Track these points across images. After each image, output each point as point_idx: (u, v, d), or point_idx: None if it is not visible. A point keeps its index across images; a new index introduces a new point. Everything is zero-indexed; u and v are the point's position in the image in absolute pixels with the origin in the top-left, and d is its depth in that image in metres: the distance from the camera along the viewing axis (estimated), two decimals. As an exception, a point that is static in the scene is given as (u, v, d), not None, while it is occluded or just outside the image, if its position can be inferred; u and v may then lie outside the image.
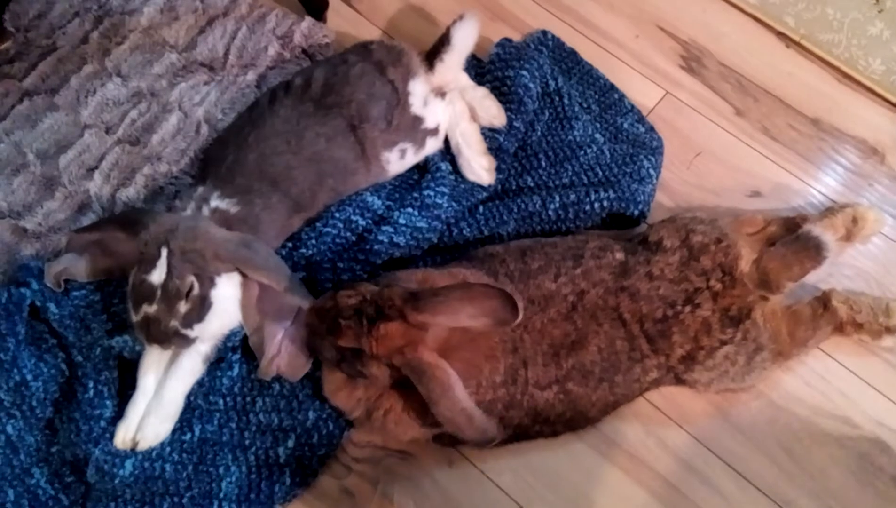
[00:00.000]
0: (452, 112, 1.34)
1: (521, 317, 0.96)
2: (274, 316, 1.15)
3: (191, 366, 1.15)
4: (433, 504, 1.14)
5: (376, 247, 1.21)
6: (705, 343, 1.10)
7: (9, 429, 1.11)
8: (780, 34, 1.57)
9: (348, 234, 1.23)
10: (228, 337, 1.17)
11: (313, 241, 1.21)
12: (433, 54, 1.36)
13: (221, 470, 1.11)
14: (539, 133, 1.39)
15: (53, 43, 1.48)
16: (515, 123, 1.36)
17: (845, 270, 1.31)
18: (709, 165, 1.44)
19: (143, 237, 1.10)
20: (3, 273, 1.24)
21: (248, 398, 1.14)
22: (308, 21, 1.51)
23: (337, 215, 1.23)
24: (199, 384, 1.15)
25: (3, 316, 1.13)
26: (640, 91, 1.50)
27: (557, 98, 1.41)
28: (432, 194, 1.26)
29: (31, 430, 1.12)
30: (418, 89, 1.31)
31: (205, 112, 1.40)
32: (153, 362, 1.15)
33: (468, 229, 1.29)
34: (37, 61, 1.46)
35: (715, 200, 1.40)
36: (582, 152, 1.35)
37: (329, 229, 1.22)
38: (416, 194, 1.25)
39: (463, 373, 1.03)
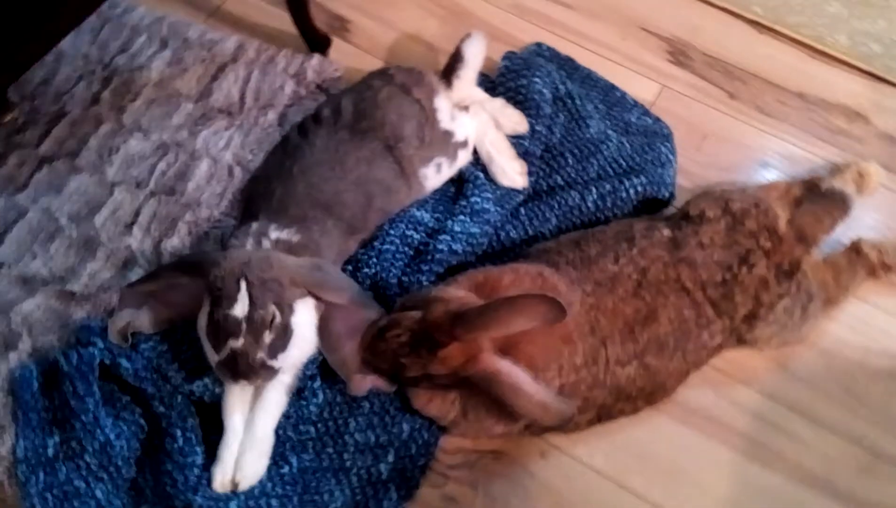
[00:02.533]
0: (479, 123, 1.42)
1: (569, 313, 1.02)
2: (351, 334, 1.18)
3: (276, 399, 1.16)
4: (534, 497, 1.18)
5: (437, 256, 1.26)
6: (765, 300, 1.20)
7: (98, 494, 1.09)
8: (752, 22, 1.73)
9: (406, 249, 1.28)
10: (305, 366, 1.18)
11: (374, 260, 1.25)
12: (448, 72, 1.45)
13: (326, 497, 1.11)
14: (558, 135, 1.48)
15: (62, 108, 1.49)
16: (537, 127, 1.45)
17: (857, 221, 1.43)
18: (717, 145, 1.56)
19: (217, 274, 1.11)
20: (59, 339, 1.22)
21: (340, 421, 1.16)
22: (317, 57, 1.57)
23: (392, 232, 1.28)
24: (286, 416, 1.16)
25: (77, 378, 1.12)
26: (637, 88, 1.62)
27: (570, 100, 1.51)
28: (479, 200, 1.32)
29: (118, 492, 1.10)
30: (443, 105, 1.38)
31: (233, 155, 1.43)
32: (237, 400, 1.16)
33: (514, 232, 1.36)
34: (49, 127, 1.46)
35: (729, 176, 1.52)
36: (604, 147, 1.45)
37: (387, 247, 1.26)
38: (463, 203, 1.32)
39: (541, 358, 1.08)
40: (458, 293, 1.12)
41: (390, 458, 1.14)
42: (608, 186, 1.37)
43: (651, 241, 1.24)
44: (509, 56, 1.55)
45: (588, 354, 1.14)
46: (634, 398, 1.19)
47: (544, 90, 1.48)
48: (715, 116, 1.60)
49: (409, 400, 1.16)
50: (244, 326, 1.08)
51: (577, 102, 1.51)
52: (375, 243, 1.27)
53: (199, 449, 1.12)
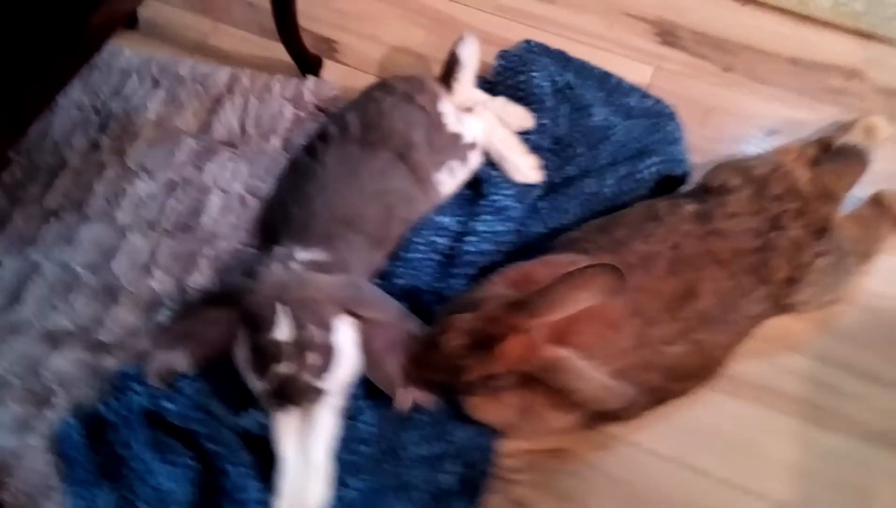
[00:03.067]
0: (485, 123, 1.42)
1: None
2: (391, 349, 1.17)
3: (327, 422, 1.13)
4: (602, 490, 1.16)
5: (466, 258, 1.25)
6: (802, 261, 1.20)
7: (158, 543, 1.06)
8: (732, -4, 1.77)
9: (434, 255, 1.27)
10: (351, 386, 1.17)
11: (402, 269, 1.24)
12: (447, 77, 1.45)
13: (392, 515, 1.09)
14: (564, 126, 1.48)
15: (62, 159, 1.46)
16: (542, 121, 1.45)
17: (871, 175, 1.44)
18: (720, 119, 1.58)
19: (251, 300, 1.10)
20: (95, 390, 1.19)
21: (394, 437, 1.14)
22: (312, 79, 1.56)
23: (416, 240, 1.27)
24: (338, 439, 1.14)
25: (122, 425, 1.09)
26: (632, 72, 1.63)
27: (570, 91, 1.52)
28: (499, 197, 1.32)
29: (178, 539, 1.07)
30: (448, 109, 1.38)
31: (243, 185, 1.42)
32: (288, 429, 1.13)
33: (535, 226, 1.35)
34: (51, 180, 1.43)
35: (738, 146, 1.53)
36: (611, 133, 1.45)
37: (414, 255, 1.25)
38: (484, 202, 1.31)
39: (591, 346, 1.08)
40: (500, 291, 1.11)
41: (451, 468, 1.12)
42: (623, 170, 1.37)
43: (678, 217, 1.24)
44: (503, 55, 1.56)
45: (635, 337, 1.14)
46: (686, 377, 1.19)
47: (543, 83, 1.49)
48: (713, 91, 1.62)
49: (463, 408, 1.14)
50: (287, 349, 1.06)
51: (577, 91, 1.51)
52: (402, 253, 1.26)
53: (255, 484, 1.09)
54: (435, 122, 1.36)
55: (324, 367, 1.10)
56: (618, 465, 1.18)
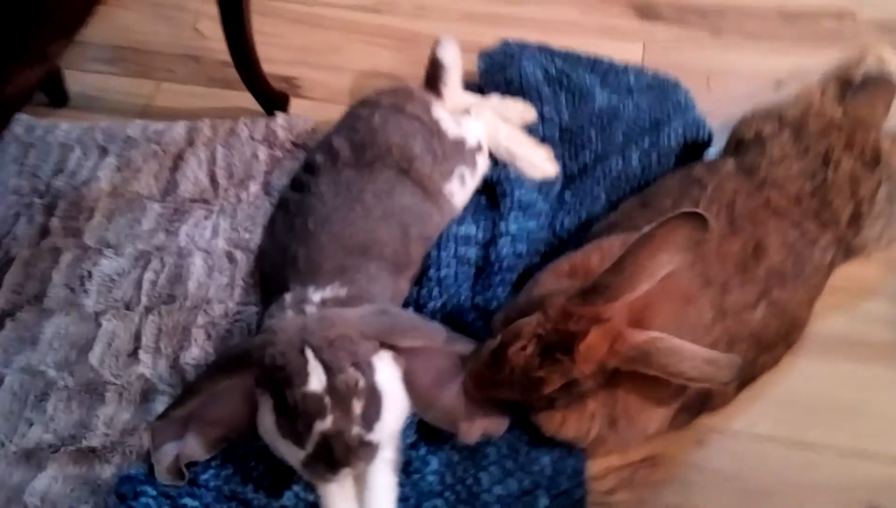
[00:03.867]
0: (486, 123, 1.37)
1: (711, 222, 0.95)
2: (442, 379, 1.07)
3: (385, 482, 1.01)
4: (712, 489, 1.07)
5: (505, 263, 1.17)
6: (863, 194, 1.16)
7: None
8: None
9: (465, 267, 1.19)
10: (403, 433, 1.05)
11: (436, 289, 1.15)
12: (432, 83, 1.41)
13: (487, 571, 0.96)
14: (567, 115, 1.44)
15: (7, 253, 1.34)
16: (545, 112, 1.42)
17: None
18: (724, 81, 1.57)
19: (271, 353, 0.98)
20: (96, 506, 1.04)
21: (470, 480, 1.02)
22: (282, 116, 1.50)
23: (443, 255, 1.19)
24: (403, 499, 1.01)
25: (145, 538, 0.94)
26: (620, 53, 1.62)
27: (565, 79, 1.49)
28: (522, 192, 1.26)
29: None
30: (443, 115, 1.33)
31: (227, 241, 1.32)
32: (340, 500, 1.00)
33: (567, 219, 1.29)
34: (-2, 278, 1.31)
35: (750, 103, 1.49)
36: (620, 112, 1.42)
37: (445, 271, 1.17)
38: (507, 202, 1.25)
39: (672, 327, 0.99)
40: (559, 284, 1.03)
41: (543, 502, 1.00)
42: (646, 143, 1.33)
43: (720, 176, 1.20)
44: (484, 53, 1.53)
45: (714, 308, 1.06)
46: (773, 344, 1.11)
47: (536, 72, 1.46)
48: (708, 56, 1.62)
49: (540, 428, 1.04)
50: (327, 400, 0.95)
51: (574, 78, 1.48)
52: (430, 273, 1.17)
53: (314, 573, 0.95)
54: (433, 130, 1.30)
55: (373, 415, 0.98)
56: (721, 458, 1.09)
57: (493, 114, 1.39)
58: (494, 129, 1.37)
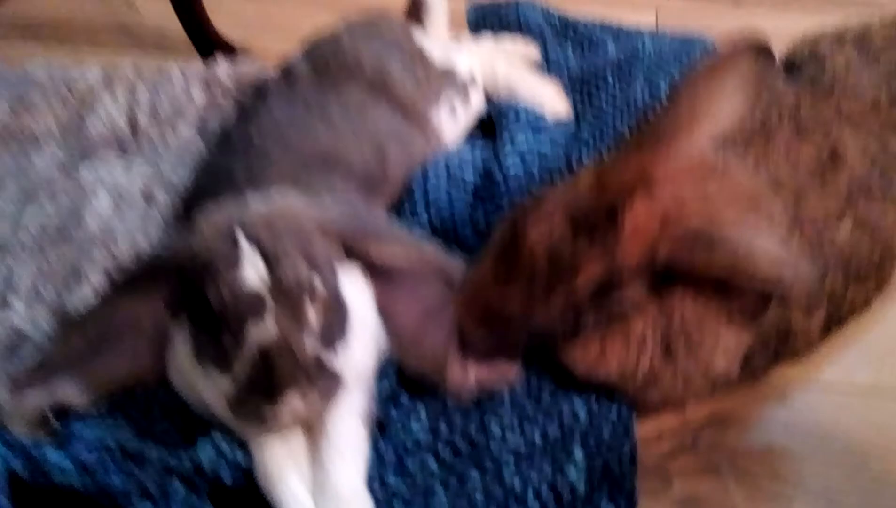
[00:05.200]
0: (481, 56, 1.25)
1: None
2: (429, 315, 0.86)
3: (352, 432, 0.77)
4: (811, 452, 0.87)
5: (514, 182, 1.00)
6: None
7: None
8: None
9: (459, 189, 1.02)
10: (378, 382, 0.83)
11: (421, 206, 0.99)
12: (415, 12, 1.32)
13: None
14: (575, 62, 1.33)
15: None
16: (550, 53, 1.32)
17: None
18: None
19: (194, 248, 0.77)
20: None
21: (473, 429, 0.78)
22: (226, 61, 1.35)
23: (431, 173, 1.03)
24: (378, 458, 0.77)
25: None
26: (634, 18, 1.53)
27: (573, 31, 1.40)
28: (532, 114, 1.12)
29: None
30: (427, 43, 1.21)
31: (145, 180, 1.13)
32: (285, 457, 0.75)
33: (586, 154, 1.12)
34: None
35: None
36: (640, 50, 1.31)
37: (433, 188, 1.01)
38: (516, 122, 1.12)
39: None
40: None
41: (577, 455, 0.77)
42: (676, 69, 1.21)
43: (775, 94, 1.07)
44: (475, 4, 1.44)
45: (789, 215, 0.90)
46: (864, 276, 0.95)
47: (538, 19, 1.36)
48: (728, 21, 1.59)
49: (570, 368, 0.82)
50: (267, 298, 0.73)
51: (582, 28, 1.39)
52: (414, 189, 1.00)
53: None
54: (414, 55, 1.17)
55: (334, 330, 0.76)
56: (815, 416, 0.90)
57: (489, 48, 1.27)
58: (491, 62, 1.25)
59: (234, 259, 0.74)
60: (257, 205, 0.81)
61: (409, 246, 0.87)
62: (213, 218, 0.80)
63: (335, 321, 0.77)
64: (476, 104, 1.21)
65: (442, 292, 0.87)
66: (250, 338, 0.71)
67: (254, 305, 0.72)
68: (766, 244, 0.76)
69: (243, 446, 0.76)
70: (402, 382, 0.84)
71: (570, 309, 0.77)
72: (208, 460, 0.74)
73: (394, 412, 0.80)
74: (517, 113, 1.12)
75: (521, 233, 0.77)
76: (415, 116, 1.12)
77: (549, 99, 1.21)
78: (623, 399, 0.83)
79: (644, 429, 0.85)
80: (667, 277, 0.78)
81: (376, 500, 0.74)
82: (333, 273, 0.79)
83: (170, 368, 0.81)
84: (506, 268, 0.78)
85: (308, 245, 0.77)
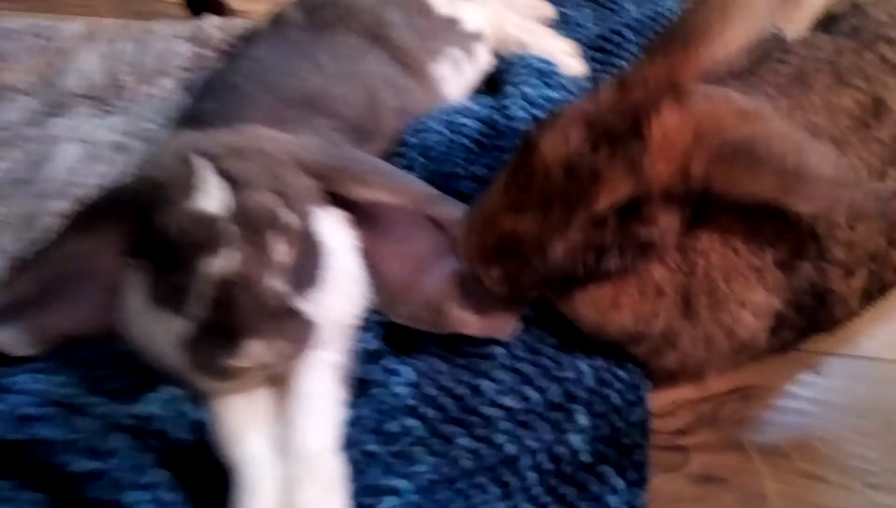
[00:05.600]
0: (490, 10, 1.19)
1: None
2: (422, 260, 0.79)
3: (325, 388, 0.70)
4: (844, 425, 0.79)
5: (520, 126, 0.93)
6: None
7: None
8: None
9: (459, 138, 0.94)
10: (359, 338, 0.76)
11: (415, 154, 0.92)
12: None
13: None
14: (593, 24, 1.27)
15: None
16: (568, 12, 1.26)
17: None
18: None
19: (150, 176, 0.71)
20: None
21: (462, 390, 0.71)
22: (215, 18, 1.30)
23: (428, 121, 0.96)
24: (354, 420, 0.70)
25: None
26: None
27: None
28: (543, 65, 1.05)
29: None
30: None
31: (121, 133, 1.08)
32: (245, 413, 0.69)
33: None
34: None
35: None
36: (663, 12, 1.24)
37: (432, 135, 0.94)
38: (523, 70, 1.05)
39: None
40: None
41: (582, 420, 0.69)
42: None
43: (810, 47, 1.00)
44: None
45: (829, 165, 0.82)
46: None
47: None
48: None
49: (577, 320, 0.74)
50: (227, 225, 0.66)
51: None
52: (408, 137, 0.93)
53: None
54: (416, 4, 1.11)
55: (305, 272, 0.69)
56: (851, 388, 0.82)
57: (499, 3, 1.21)
58: (501, 16, 1.19)
59: (190, 183, 0.67)
60: (224, 134, 0.75)
61: (397, 186, 0.80)
62: (174, 144, 0.74)
63: (308, 264, 0.70)
64: (482, 59, 1.15)
65: (434, 237, 0.80)
66: (206, 270, 0.64)
67: (211, 232, 0.65)
68: (819, 161, 0.68)
69: (202, 402, 0.69)
70: (387, 340, 0.77)
71: (592, 240, 0.69)
72: (160, 414, 0.67)
73: (377, 373, 0.73)
74: (526, 63, 1.05)
75: (534, 150, 0.69)
76: (414, 67, 1.06)
77: (564, 56, 1.14)
78: (635, 364, 0.75)
79: (659, 400, 0.77)
80: (699, 208, 0.71)
81: (352, 466, 0.67)
82: (308, 211, 0.72)
83: (123, 316, 0.74)
84: (519, 192, 0.69)
85: (279, 176, 0.71)
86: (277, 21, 1.08)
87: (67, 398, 0.68)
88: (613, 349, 0.75)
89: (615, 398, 0.71)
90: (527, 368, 0.72)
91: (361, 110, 0.95)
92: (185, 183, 0.67)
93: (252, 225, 0.66)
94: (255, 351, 0.64)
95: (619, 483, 0.66)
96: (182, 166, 0.68)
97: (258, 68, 0.97)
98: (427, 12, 1.12)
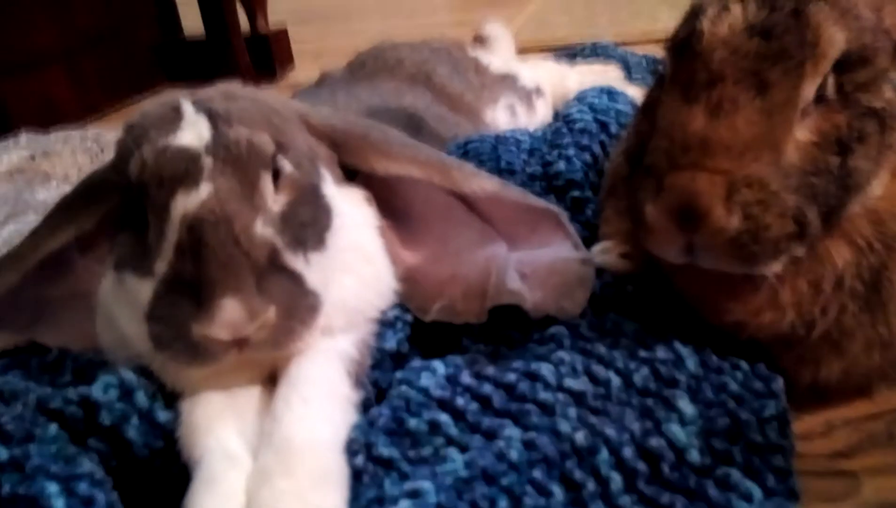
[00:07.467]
0: (549, 70, 1.22)
1: None
2: (459, 252, 0.64)
3: (325, 379, 0.53)
4: None
5: (580, 125, 0.85)
6: None
7: None
8: None
9: (507, 146, 0.85)
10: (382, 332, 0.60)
11: (476, 143, 0.85)
12: (479, 40, 1.27)
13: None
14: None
15: None
16: (633, 72, 1.24)
17: None
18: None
19: (134, 121, 0.58)
20: None
21: (514, 376, 0.52)
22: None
23: (473, 135, 0.88)
24: (369, 426, 0.51)
25: None
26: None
27: (653, 63, 1.32)
28: (607, 87, 0.98)
29: None
30: (483, 55, 1.17)
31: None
32: (219, 404, 0.52)
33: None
34: None
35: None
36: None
37: (474, 143, 0.84)
38: (590, 92, 0.97)
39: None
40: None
41: (686, 408, 0.49)
42: None
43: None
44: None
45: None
46: None
47: (617, 50, 1.29)
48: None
49: (717, 317, 0.56)
50: (207, 160, 0.53)
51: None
52: (449, 144, 0.87)
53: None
54: (467, 64, 1.12)
55: (309, 229, 0.55)
56: None
57: (560, 66, 1.20)
58: (561, 75, 1.20)
59: (171, 122, 0.55)
60: (227, 85, 0.63)
61: (422, 157, 0.65)
62: (163, 96, 0.62)
63: (310, 219, 0.55)
64: (542, 112, 1.14)
65: (469, 222, 0.67)
66: (177, 210, 0.51)
67: (185, 165, 0.52)
68: None
69: (167, 398, 0.53)
70: (414, 343, 0.60)
71: (823, 126, 0.50)
72: (105, 401, 0.51)
73: (398, 373, 0.55)
74: (590, 88, 0.97)
75: (701, 36, 0.52)
76: (464, 108, 1.02)
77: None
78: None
79: (804, 424, 0.55)
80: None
81: (359, 475, 0.47)
82: (310, 167, 0.59)
83: (98, 298, 0.59)
84: (706, 92, 0.50)
85: (276, 123, 0.58)
86: (321, 78, 1.09)
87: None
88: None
89: (734, 387, 0.51)
90: (599, 349, 0.53)
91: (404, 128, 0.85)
92: (167, 123, 0.55)
93: (234, 159, 0.53)
94: (230, 314, 0.48)
95: (756, 491, 0.44)
96: (167, 110, 0.57)
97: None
98: (480, 68, 1.13)
